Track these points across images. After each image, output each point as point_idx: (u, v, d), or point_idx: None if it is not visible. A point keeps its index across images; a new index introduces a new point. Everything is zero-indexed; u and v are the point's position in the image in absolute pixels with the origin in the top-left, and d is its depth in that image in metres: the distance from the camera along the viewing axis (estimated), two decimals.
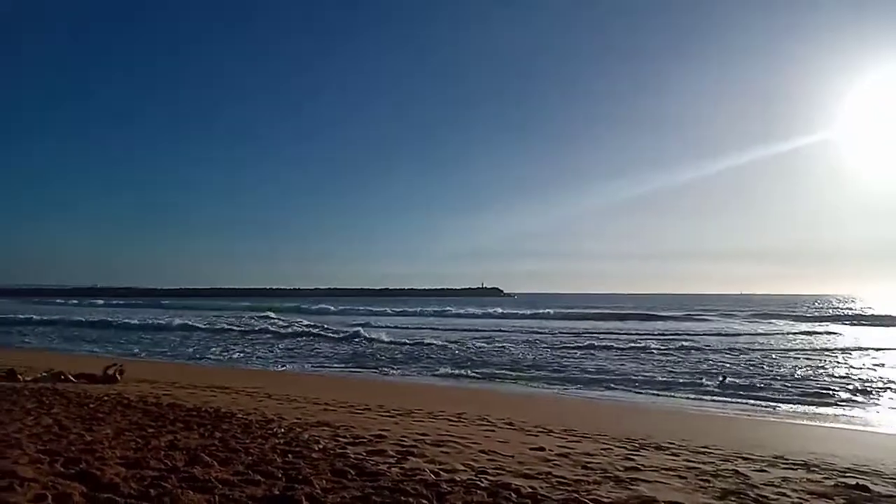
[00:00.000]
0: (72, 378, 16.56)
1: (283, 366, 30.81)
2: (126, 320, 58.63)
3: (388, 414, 13.05)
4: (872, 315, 71.71)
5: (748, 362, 31.84)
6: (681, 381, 25.91)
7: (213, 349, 38.10)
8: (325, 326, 54.48)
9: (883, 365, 30.26)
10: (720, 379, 24.32)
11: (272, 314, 71.78)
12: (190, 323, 55.71)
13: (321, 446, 8.52)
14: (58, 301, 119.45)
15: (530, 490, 6.45)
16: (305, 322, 60.95)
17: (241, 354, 35.83)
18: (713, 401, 21.64)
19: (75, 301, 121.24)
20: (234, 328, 53.68)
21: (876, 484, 7.79)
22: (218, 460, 7.15)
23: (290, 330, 52.02)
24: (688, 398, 22.16)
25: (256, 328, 53.55)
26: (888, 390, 23.17)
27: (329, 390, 18.11)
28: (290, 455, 7.73)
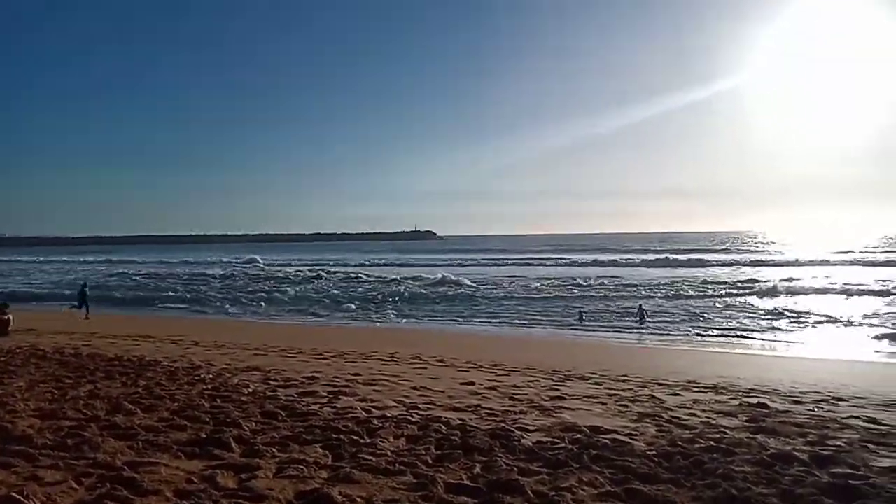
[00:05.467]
0: None
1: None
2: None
3: (320, 356, 13.03)
4: (776, 257, 76.78)
5: (667, 298, 33.63)
6: (602, 317, 27.18)
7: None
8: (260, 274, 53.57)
9: (784, 299, 32.70)
10: (639, 314, 25.57)
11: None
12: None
13: (251, 390, 8.43)
14: None
15: (459, 422, 6.63)
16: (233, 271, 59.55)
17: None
18: (634, 334, 22.87)
19: None
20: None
21: (774, 401, 8.49)
22: (142, 408, 6.95)
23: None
24: (610, 332, 23.31)
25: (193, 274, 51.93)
26: (788, 320, 25.12)
27: (259, 336, 17.87)
28: (218, 400, 7.61)
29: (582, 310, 27.12)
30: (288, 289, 41.28)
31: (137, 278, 51.49)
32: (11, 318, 16.57)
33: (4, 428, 5.68)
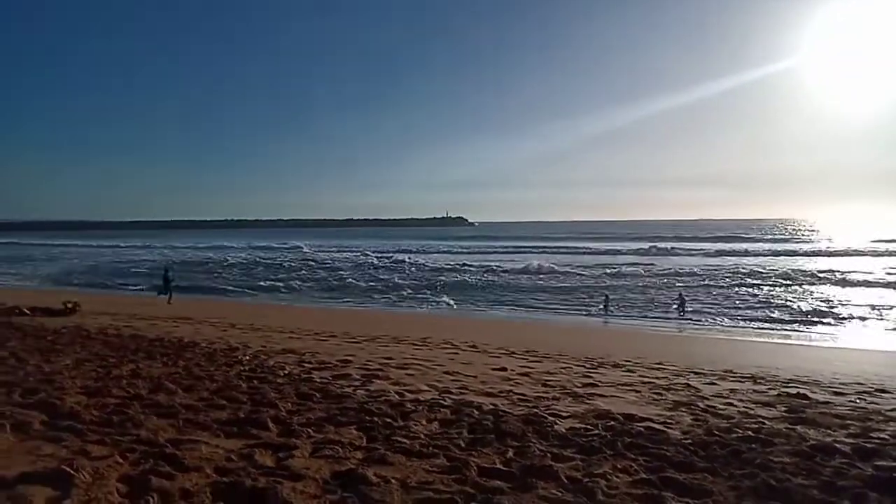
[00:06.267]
0: (27, 311, 16.19)
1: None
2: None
3: (353, 340, 13.19)
4: (818, 245, 74.68)
5: (703, 287, 33.03)
6: (635, 305, 26.86)
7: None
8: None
9: (825, 289, 31.79)
10: (679, 303, 25.10)
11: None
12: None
13: (286, 372, 8.58)
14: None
15: (492, 407, 6.65)
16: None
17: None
18: (671, 322, 22.54)
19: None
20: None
21: (815, 392, 8.29)
22: (182, 387, 7.14)
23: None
24: (646, 320, 23.03)
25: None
26: (829, 310, 24.44)
27: (294, 319, 18.17)
28: (255, 381, 7.77)
29: (608, 295, 26.77)
30: (345, 275, 41.65)
31: (183, 262, 52.85)
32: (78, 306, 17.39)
33: (53, 404, 5.89)
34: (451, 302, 28.63)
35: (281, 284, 36.69)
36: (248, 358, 9.86)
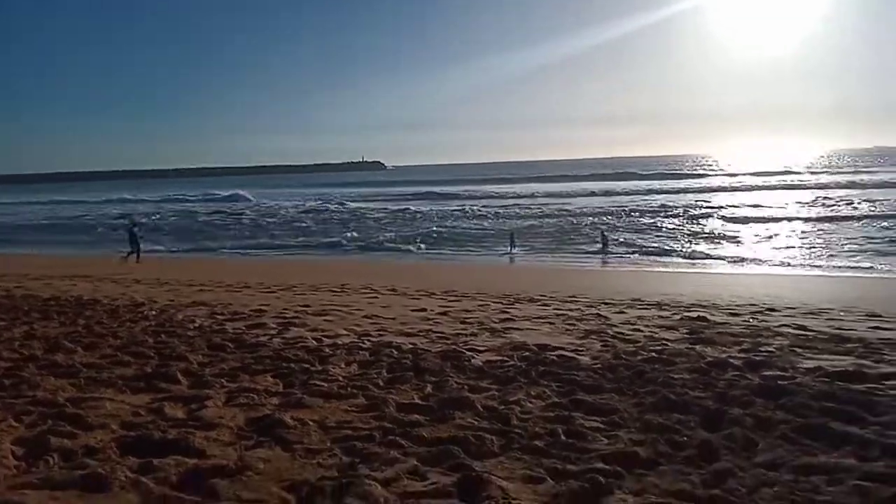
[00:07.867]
0: None
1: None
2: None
3: (268, 290, 12.86)
4: (721, 181, 79.38)
5: (614, 223, 34.44)
6: (556, 243, 27.71)
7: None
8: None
9: (727, 222, 33.99)
10: (601, 240, 25.90)
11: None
12: None
13: (197, 325, 8.26)
14: None
15: (411, 346, 6.70)
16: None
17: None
18: (588, 258, 23.44)
19: None
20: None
21: (713, 314, 8.90)
22: (82, 346, 6.73)
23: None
24: (564, 256, 23.85)
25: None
26: (728, 240, 26.22)
27: (203, 272, 17.46)
28: (163, 335, 7.43)
29: (513, 234, 27.24)
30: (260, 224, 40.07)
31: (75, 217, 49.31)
32: None
33: None
34: (423, 246, 28.01)
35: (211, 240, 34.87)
36: (154, 313, 9.39)
